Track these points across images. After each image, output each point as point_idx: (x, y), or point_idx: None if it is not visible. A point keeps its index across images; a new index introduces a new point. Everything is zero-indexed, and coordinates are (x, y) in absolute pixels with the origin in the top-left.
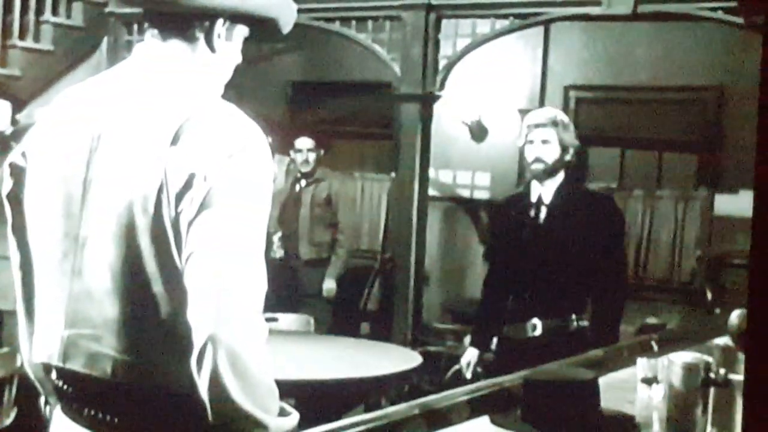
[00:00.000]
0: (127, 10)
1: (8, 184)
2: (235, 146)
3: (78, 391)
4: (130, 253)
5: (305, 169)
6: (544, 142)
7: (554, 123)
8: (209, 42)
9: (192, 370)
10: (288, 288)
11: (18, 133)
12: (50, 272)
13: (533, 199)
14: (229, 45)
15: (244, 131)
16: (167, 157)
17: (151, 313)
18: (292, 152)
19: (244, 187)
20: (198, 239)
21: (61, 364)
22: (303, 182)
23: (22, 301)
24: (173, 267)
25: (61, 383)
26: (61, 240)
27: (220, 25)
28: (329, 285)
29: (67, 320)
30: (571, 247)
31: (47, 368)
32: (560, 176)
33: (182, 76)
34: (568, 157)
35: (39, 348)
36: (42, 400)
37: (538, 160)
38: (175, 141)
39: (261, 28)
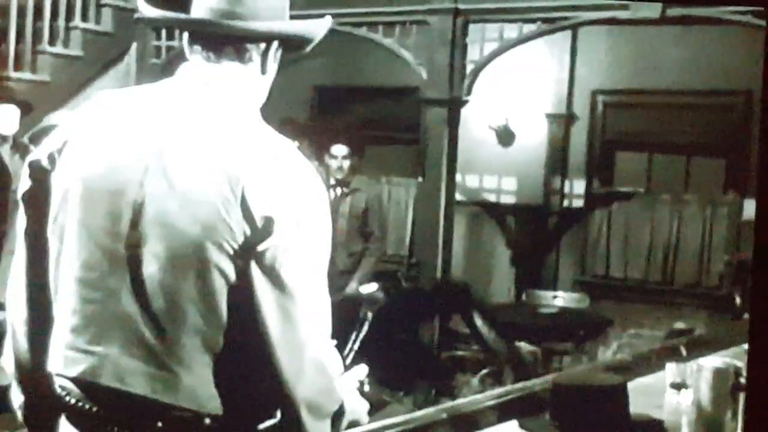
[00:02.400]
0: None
1: (26, 184)
2: (306, 186)
3: (106, 408)
4: (185, 278)
5: (339, 175)
6: None
7: None
8: (263, 64)
9: (227, 390)
10: None
11: (36, 137)
12: (84, 286)
13: None
14: (275, 66)
15: (308, 170)
16: (236, 189)
17: (195, 335)
18: (326, 158)
19: (313, 226)
20: (268, 280)
21: (91, 380)
22: (338, 191)
23: (30, 309)
24: (223, 294)
25: (82, 399)
26: (102, 256)
27: (274, 49)
28: (354, 286)
29: (101, 336)
30: None
31: (69, 381)
32: None
33: (237, 99)
34: None
35: (56, 360)
36: (21, 408)
37: None
38: (244, 173)
39: (299, 47)
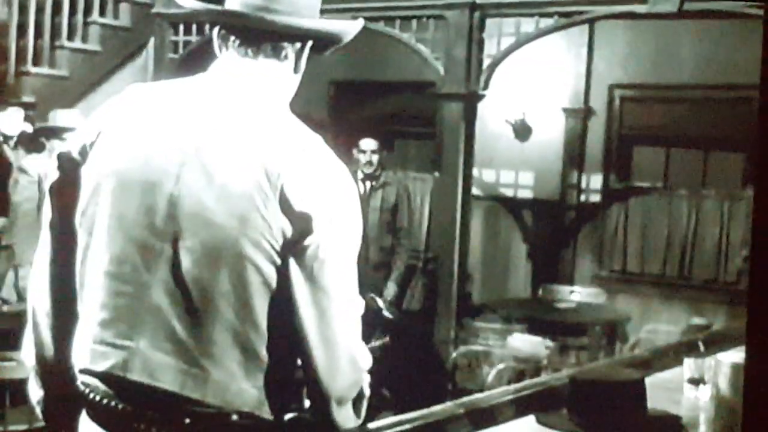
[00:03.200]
0: (174, 10)
1: (55, 176)
2: (340, 183)
3: (132, 405)
4: (220, 272)
5: (368, 170)
6: None
7: None
8: (297, 63)
9: (258, 389)
10: None
11: (41, 132)
12: (114, 279)
13: None
14: (304, 65)
15: (341, 167)
16: (275, 185)
17: (227, 330)
18: (355, 152)
19: (347, 222)
20: (305, 275)
21: (121, 374)
22: (368, 184)
23: (54, 302)
24: (263, 292)
25: (107, 395)
26: (135, 249)
27: (308, 48)
28: (392, 289)
29: (131, 330)
30: None
31: (95, 376)
32: None
33: (273, 95)
34: None
35: (83, 354)
36: (40, 403)
37: None
38: (283, 169)
39: (325, 48)
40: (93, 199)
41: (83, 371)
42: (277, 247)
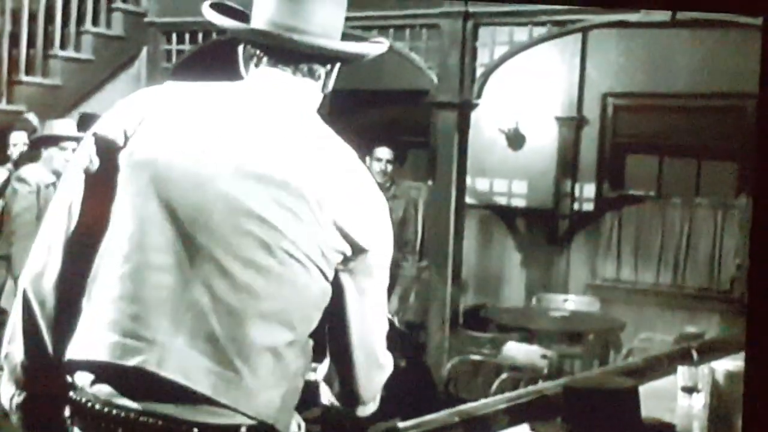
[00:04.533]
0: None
1: (88, 157)
2: (384, 205)
3: (148, 400)
4: (267, 276)
5: (381, 179)
6: None
7: None
8: (327, 82)
9: (281, 398)
10: None
11: (36, 143)
12: (153, 271)
13: None
14: (332, 84)
15: (375, 183)
16: (325, 198)
17: (267, 337)
18: (368, 159)
19: (389, 241)
20: (356, 292)
21: (155, 370)
22: None
23: (59, 289)
24: (305, 299)
25: (125, 388)
26: (182, 243)
27: (337, 68)
28: (394, 304)
29: (172, 326)
30: None
31: (112, 372)
32: None
33: (311, 113)
34: None
35: (97, 348)
36: (19, 404)
37: None
38: (334, 182)
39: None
40: (132, 187)
41: (92, 366)
42: (326, 258)
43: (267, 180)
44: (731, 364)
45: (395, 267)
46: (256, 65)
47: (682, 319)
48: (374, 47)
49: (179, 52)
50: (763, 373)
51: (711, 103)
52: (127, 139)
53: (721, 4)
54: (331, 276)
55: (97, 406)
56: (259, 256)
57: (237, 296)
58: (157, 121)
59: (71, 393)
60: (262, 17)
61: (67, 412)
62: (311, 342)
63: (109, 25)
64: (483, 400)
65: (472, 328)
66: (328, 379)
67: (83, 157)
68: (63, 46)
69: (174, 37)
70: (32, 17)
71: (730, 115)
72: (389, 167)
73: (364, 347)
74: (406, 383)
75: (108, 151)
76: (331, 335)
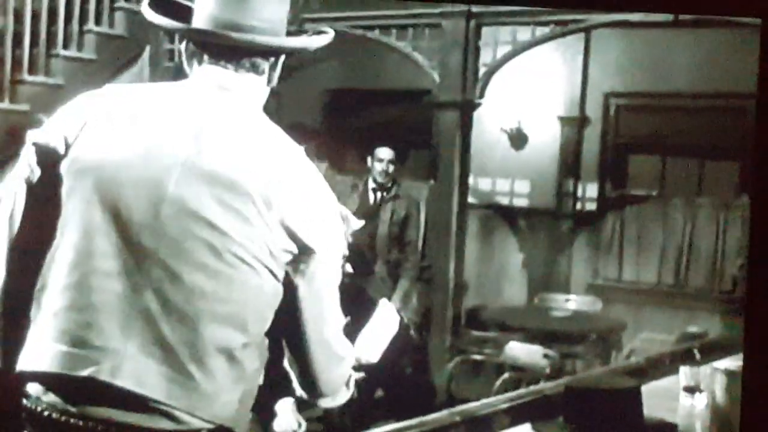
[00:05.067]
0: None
1: (29, 166)
2: (333, 202)
3: (104, 408)
4: (217, 277)
5: (382, 179)
6: None
7: None
8: (271, 76)
9: (239, 401)
10: (351, 306)
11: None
12: (100, 278)
13: None
14: (277, 78)
15: (326, 183)
16: (273, 195)
17: (220, 339)
18: (369, 160)
19: (334, 245)
20: (308, 290)
21: (109, 380)
22: (378, 195)
23: (2, 302)
24: (257, 299)
25: (81, 399)
26: (129, 248)
27: (281, 61)
28: (395, 304)
29: (122, 333)
30: None
31: (63, 382)
32: None
33: (257, 106)
34: None
35: (47, 358)
36: None
37: None
38: (281, 179)
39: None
40: (76, 194)
41: (43, 377)
42: (275, 258)
43: (214, 181)
44: (733, 364)
45: (396, 266)
46: (199, 63)
47: (684, 319)
48: (317, 40)
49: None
50: (762, 372)
51: (713, 102)
52: (68, 146)
53: (721, 5)
54: (281, 276)
55: (54, 415)
56: (209, 260)
57: (188, 300)
58: (100, 125)
59: (25, 401)
60: (202, 13)
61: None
62: (267, 341)
63: (112, 24)
64: (484, 400)
65: (474, 327)
66: (292, 371)
67: (24, 166)
68: (66, 46)
69: (176, 36)
70: (35, 16)
71: (732, 114)
72: (391, 167)
73: (320, 344)
74: (409, 383)
75: (49, 159)
76: (287, 334)
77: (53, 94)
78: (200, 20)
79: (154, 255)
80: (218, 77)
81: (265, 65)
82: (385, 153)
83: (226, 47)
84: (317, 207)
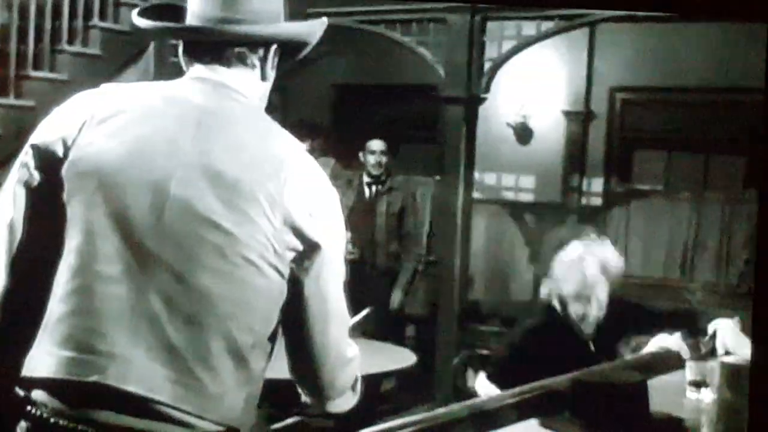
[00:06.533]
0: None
1: (28, 169)
2: (336, 199)
3: (111, 412)
4: (223, 278)
5: (376, 171)
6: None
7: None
8: (263, 70)
9: (245, 401)
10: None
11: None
12: (105, 282)
13: None
14: (273, 73)
15: (329, 181)
16: (278, 194)
17: (226, 339)
18: (362, 153)
19: (339, 240)
20: (314, 289)
21: (116, 385)
22: (374, 189)
23: (5, 309)
24: (263, 299)
25: (86, 404)
26: (131, 251)
27: (272, 54)
28: (398, 296)
29: (128, 338)
30: None
31: (70, 388)
32: None
33: (255, 102)
34: None
35: (53, 364)
36: None
37: None
38: (285, 179)
39: (297, 51)
40: (78, 197)
41: (48, 383)
42: (280, 256)
43: (217, 181)
44: (739, 358)
45: (394, 259)
46: (191, 61)
47: (690, 313)
48: (307, 26)
49: None
50: None
51: (719, 97)
52: (67, 148)
53: (724, 7)
54: (287, 274)
55: (61, 421)
56: (214, 260)
57: (193, 302)
58: (99, 125)
59: (29, 407)
60: (192, 12)
61: (23, 426)
62: (271, 342)
63: (116, 19)
64: (491, 395)
65: (480, 322)
66: (295, 374)
67: (23, 170)
68: (71, 41)
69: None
70: (39, 12)
71: (738, 109)
72: (383, 159)
73: (326, 344)
74: (416, 378)
75: (48, 162)
76: (291, 335)
77: (58, 89)
78: (190, 20)
79: (158, 257)
80: (209, 74)
81: (253, 58)
82: (376, 145)
83: (212, 43)
84: (321, 202)
